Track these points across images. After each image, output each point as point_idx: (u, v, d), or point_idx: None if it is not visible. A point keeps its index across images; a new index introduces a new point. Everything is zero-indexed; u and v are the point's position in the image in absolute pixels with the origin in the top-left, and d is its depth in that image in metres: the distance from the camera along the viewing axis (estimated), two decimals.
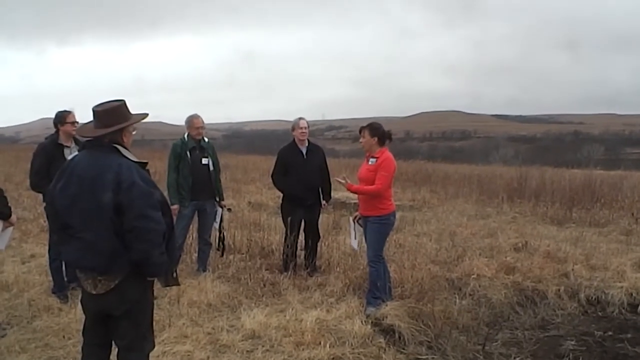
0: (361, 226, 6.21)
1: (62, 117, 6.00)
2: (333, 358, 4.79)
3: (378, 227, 5.94)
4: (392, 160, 5.90)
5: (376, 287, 5.90)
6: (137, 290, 3.45)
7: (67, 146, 5.96)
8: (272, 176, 7.50)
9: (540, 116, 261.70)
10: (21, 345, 4.86)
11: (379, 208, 5.88)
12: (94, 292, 3.40)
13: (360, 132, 6.07)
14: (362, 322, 5.43)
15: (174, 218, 5.71)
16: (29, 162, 6.10)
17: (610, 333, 5.92)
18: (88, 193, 3.27)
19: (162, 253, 3.37)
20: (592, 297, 6.72)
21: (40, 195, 5.80)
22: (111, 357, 3.70)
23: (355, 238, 6.36)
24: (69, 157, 3.86)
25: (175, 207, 6.58)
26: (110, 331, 3.56)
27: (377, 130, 5.97)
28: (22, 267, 7.27)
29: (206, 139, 7.09)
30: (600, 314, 6.48)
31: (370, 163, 5.94)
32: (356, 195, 6.42)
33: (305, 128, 7.22)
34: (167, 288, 4.76)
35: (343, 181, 6.07)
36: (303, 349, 4.89)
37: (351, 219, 6.42)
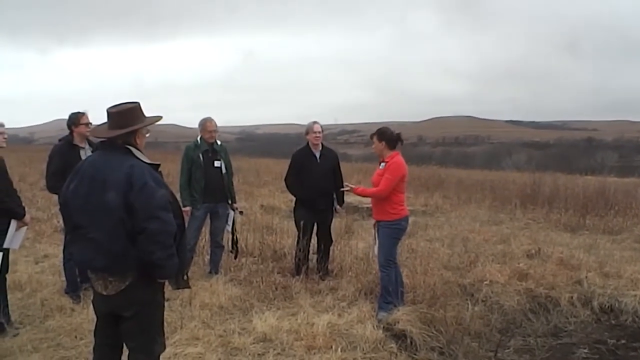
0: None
1: (76, 119, 6.03)
2: None
3: (389, 232, 5.92)
4: (400, 164, 5.87)
5: (388, 292, 5.88)
6: (147, 292, 3.46)
7: (82, 147, 6.00)
8: (285, 180, 7.50)
9: (554, 122, 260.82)
10: (33, 345, 4.90)
11: (390, 213, 5.87)
12: (104, 293, 3.42)
13: (371, 138, 6.09)
14: (373, 326, 5.42)
15: (186, 220, 5.73)
16: (43, 163, 6.14)
17: (623, 341, 5.87)
18: (100, 193, 3.28)
19: (172, 255, 3.36)
20: (605, 305, 6.66)
21: (55, 196, 5.84)
22: (123, 357, 3.71)
23: (374, 243, 6.35)
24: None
25: (187, 209, 6.61)
26: (121, 332, 3.57)
27: (385, 135, 5.97)
28: (36, 267, 7.33)
29: (219, 142, 7.12)
30: (613, 322, 6.42)
31: (381, 167, 5.95)
32: (369, 200, 6.44)
33: (320, 132, 7.21)
34: (179, 290, 4.77)
35: (348, 188, 6.16)
36: (314, 353, 4.89)
37: (372, 225, 6.42)
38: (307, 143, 7.29)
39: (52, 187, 5.89)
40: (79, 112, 6.08)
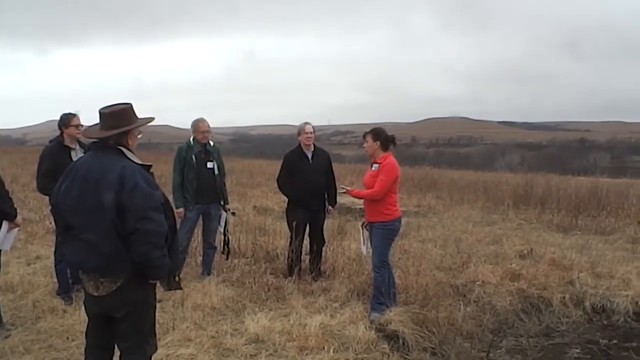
0: (368, 232, 6.20)
1: (67, 120, 6.00)
2: None
3: (383, 233, 5.92)
4: (394, 165, 5.87)
5: (380, 292, 5.88)
6: (139, 292, 3.46)
7: (72, 148, 5.98)
8: (277, 181, 7.49)
9: (547, 123, 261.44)
10: (25, 346, 4.88)
11: (384, 214, 5.86)
12: (95, 294, 3.42)
13: (364, 137, 6.07)
14: (366, 327, 5.42)
15: (179, 221, 5.71)
16: (36, 164, 6.11)
17: (615, 341, 5.90)
18: (92, 194, 3.28)
19: (164, 255, 3.37)
20: (597, 305, 6.70)
21: (47, 197, 5.82)
22: (114, 359, 3.70)
23: (363, 244, 6.36)
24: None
25: (180, 210, 6.60)
26: (112, 333, 3.56)
27: (380, 135, 5.96)
28: (27, 268, 7.29)
29: (212, 143, 7.11)
30: (605, 322, 6.45)
31: (373, 169, 5.94)
32: (362, 201, 6.43)
33: (311, 133, 7.20)
34: (171, 291, 4.76)
35: (344, 191, 6.14)
36: (307, 354, 4.89)
37: (360, 225, 6.42)
38: (299, 144, 7.29)
39: (43, 189, 5.87)
40: (70, 114, 6.04)
